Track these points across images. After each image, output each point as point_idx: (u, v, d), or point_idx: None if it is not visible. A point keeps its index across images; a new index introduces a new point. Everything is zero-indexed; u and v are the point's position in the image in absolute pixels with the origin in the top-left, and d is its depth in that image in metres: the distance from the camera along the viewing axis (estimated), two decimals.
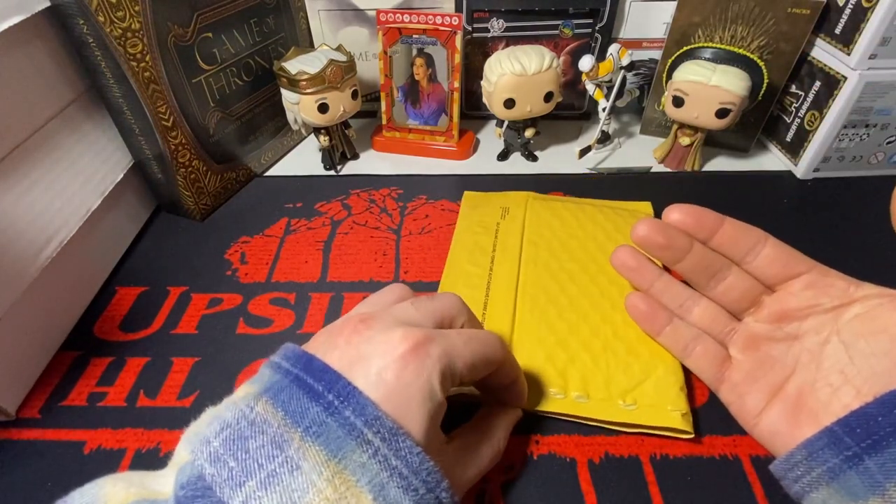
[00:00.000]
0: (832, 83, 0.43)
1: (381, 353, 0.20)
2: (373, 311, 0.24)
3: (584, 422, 0.29)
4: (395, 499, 0.18)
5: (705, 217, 0.29)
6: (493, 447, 0.25)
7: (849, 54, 0.41)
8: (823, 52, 0.44)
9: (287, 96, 0.46)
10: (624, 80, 0.48)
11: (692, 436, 0.28)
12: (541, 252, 0.37)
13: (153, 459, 0.28)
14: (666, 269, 0.33)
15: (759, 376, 0.27)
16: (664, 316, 0.30)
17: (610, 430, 0.29)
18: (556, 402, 0.29)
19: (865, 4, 0.39)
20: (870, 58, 0.40)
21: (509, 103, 0.46)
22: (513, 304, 0.34)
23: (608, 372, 0.30)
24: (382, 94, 0.51)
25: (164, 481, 0.19)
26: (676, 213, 0.29)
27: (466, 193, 0.45)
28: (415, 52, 0.49)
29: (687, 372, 0.31)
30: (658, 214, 0.43)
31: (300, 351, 0.21)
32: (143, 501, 0.18)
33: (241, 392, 0.21)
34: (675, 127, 0.48)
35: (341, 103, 0.46)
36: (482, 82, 0.48)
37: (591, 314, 0.33)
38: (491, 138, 0.55)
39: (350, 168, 0.52)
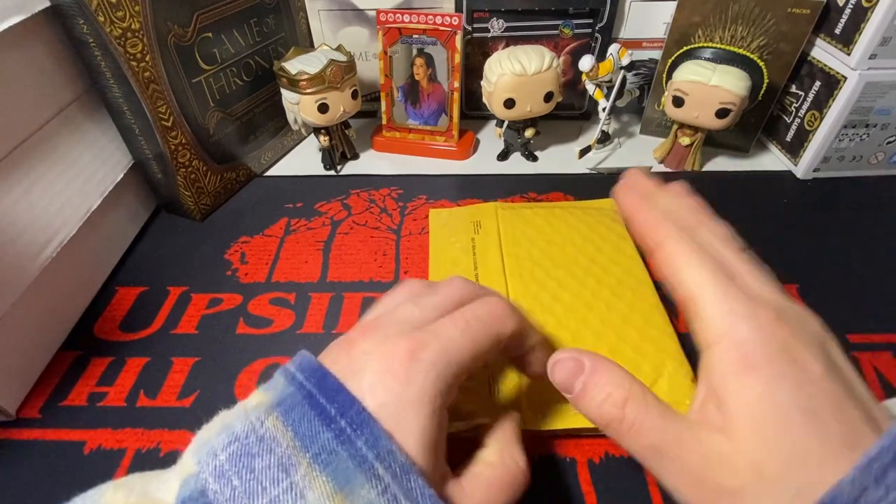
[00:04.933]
0: (832, 83, 0.43)
1: (372, 368, 0.20)
2: (379, 315, 0.23)
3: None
4: None
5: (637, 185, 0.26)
6: (509, 481, 0.22)
7: (849, 54, 0.41)
8: (823, 52, 0.44)
9: (287, 96, 0.46)
10: (624, 80, 0.48)
11: None
12: (524, 263, 0.36)
13: (153, 459, 0.28)
14: None
15: None
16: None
17: None
18: (578, 418, 0.28)
19: (865, 4, 0.39)
20: (870, 58, 0.40)
21: (509, 103, 0.46)
22: None
23: None
24: (382, 94, 0.51)
25: (166, 487, 0.18)
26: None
27: (432, 212, 0.44)
28: (415, 52, 0.49)
29: (693, 363, 0.30)
30: None
31: (315, 363, 0.21)
32: None
33: (254, 399, 0.20)
34: (675, 127, 0.48)
35: (341, 103, 0.46)
36: (482, 82, 0.48)
37: (589, 319, 0.32)
38: (491, 138, 0.55)
39: (350, 168, 0.52)
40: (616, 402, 0.20)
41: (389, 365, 0.20)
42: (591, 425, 0.27)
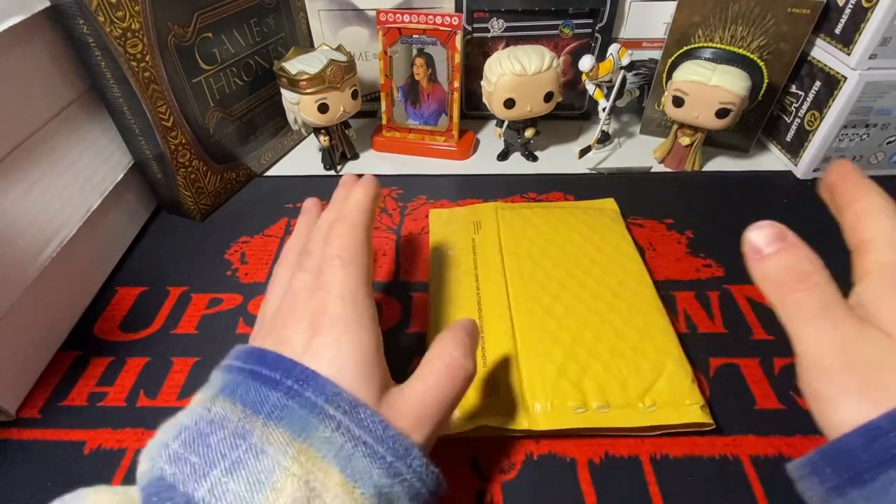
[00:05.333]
0: (832, 83, 0.43)
1: (299, 336, 0.22)
2: (281, 303, 0.24)
3: (610, 432, 0.28)
4: (362, 469, 0.18)
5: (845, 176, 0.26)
6: (444, 368, 0.23)
7: (849, 54, 0.41)
8: (823, 52, 0.44)
9: (287, 96, 0.46)
10: (624, 80, 0.48)
11: (714, 426, 0.28)
12: (524, 263, 0.36)
13: None
14: None
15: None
16: None
17: (611, 430, 0.29)
18: (579, 418, 0.28)
19: (865, 4, 0.39)
20: (870, 58, 0.40)
21: (509, 103, 0.46)
22: (509, 322, 0.33)
23: (622, 376, 0.29)
24: (382, 94, 0.51)
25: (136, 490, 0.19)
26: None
27: (432, 212, 0.44)
28: (415, 52, 0.49)
29: (693, 363, 0.31)
30: (624, 212, 0.43)
31: (249, 348, 0.22)
32: None
33: (195, 399, 0.21)
34: (675, 127, 0.48)
35: (341, 103, 0.46)
36: (482, 82, 0.48)
37: (589, 319, 0.32)
38: (491, 138, 0.55)
39: (350, 168, 0.52)
40: (813, 264, 0.21)
41: (311, 323, 0.22)
42: (593, 425, 0.28)
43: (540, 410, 0.28)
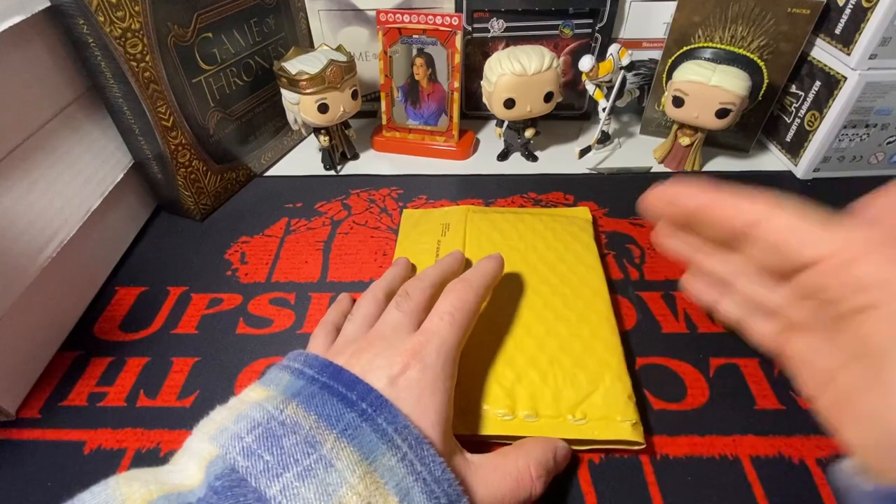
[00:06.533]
0: (832, 83, 0.43)
1: (387, 367, 0.23)
2: (361, 333, 0.26)
3: None
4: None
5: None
6: (514, 476, 0.23)
7: (849, 54, 0.41)
8: (823, 52, 0.44)
9: (287, 96, 0.46)
10: (624, 80, 0.48)
11: (643, 446, 0.27)
12: None
13: (153, 459, 0.28)
14: None
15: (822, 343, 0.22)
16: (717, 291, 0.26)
17: None
18: (504, 425, 0.28)
19: (865, 4, 0.39)
20: (870, 58, 0.40)
21: (509, 103, 0.46)
22: None
23: (556, 387, 0.29)
24: (382, 94, 0.51)
25: (178, 476, 0.19)
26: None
27: (406, 212, 0.44)
28: (415, 52, 0.49)
29: (635, 379, 0.30)
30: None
31: (325, 360, 0.23)
32: (170, 496, 0.18)
33: (257, 394, 0.21)
34: (675, 127, 0.48)
35: (341, 103, 0.46)
36: (482, 82, 0.48)
37: (535, 327, 0.32)
38: (491, 138, 0.55)
39: (350, 168, 0.52)
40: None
41: (404, 361, 0.23)
42: (517, 433, 0.27)
43: (466, 413, 0.28)
